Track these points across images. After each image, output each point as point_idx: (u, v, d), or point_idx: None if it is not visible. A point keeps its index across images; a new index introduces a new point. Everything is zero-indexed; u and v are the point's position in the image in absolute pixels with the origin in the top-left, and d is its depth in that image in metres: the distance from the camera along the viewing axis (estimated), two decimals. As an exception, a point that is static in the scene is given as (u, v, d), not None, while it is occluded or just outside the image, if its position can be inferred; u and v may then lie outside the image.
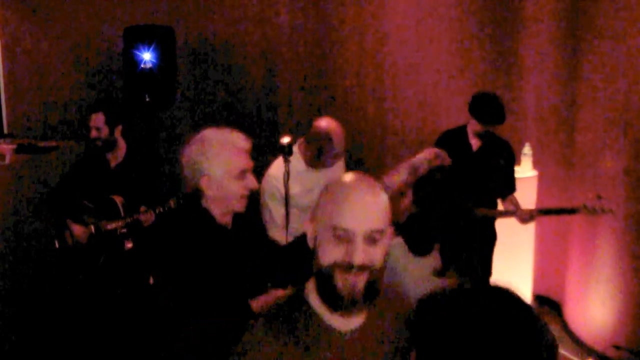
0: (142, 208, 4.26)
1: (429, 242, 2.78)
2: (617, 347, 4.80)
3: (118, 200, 4.40)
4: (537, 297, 5.77)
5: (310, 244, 1.78)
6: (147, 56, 5.72)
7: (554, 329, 5.46)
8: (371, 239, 1.66)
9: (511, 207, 4.58)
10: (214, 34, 6.46)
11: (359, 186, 1.72)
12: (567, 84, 5.48)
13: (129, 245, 4.39)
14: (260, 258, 2.82)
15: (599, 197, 4.18)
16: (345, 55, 6.31)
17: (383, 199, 1.73)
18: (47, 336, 4.74)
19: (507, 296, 1.47)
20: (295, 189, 3.86)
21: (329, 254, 1.67)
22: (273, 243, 3.10)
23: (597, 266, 5.02)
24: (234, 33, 6.44)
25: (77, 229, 4.39)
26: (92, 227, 4.36)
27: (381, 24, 6.15)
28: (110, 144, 4.54)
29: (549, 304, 5.85)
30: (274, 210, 3.93)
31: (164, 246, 2.66)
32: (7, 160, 5.31)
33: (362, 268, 1.65)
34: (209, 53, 6.49)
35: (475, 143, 4.57)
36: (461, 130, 4.62)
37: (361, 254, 1.64)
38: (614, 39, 4.74)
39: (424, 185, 2.95)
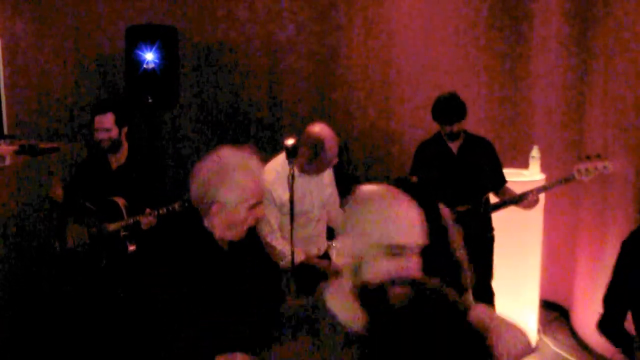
0: (148, 210, 4.23)
1: None
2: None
3: (120, 202, 4.37)
4: (545, 303, 5.72)
5: (343, 260, 1.78)
6: (149, 56, 5.67)
7: (562, 336, 5.46)
8: (420, 251, 1.72)
9: (506, 197, 4.56)
10: (217, 34, 6.43)
11: (402, 201, 1.76)
12: (575, 86, 5.45)
13: (132, 247, 4.37)
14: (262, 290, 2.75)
15: (589, 157, 4.15)
16: (350, 57, 6.28)
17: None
18: (48, 338, 4.72)
19: None
20: (286, 195, 3.88)
21: (382, 270, 1.69)
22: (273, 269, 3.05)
23: (606, 271, 4.79)
24: (238, 33, 6.41)
25: (79, 231, 4.37)
26: (94, 229, 4.35)
27: (388, 27, 6.12)
28: (117, 145, 4.50)
29: (557, 310, 5.81)
30: (268, 215, 3.94)
31: (156, 260, 2.59)
32: (7, 162, 5.27)
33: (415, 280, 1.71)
34: (213, 53, 6.45)
35: (454, 146, 4.59)
36: (437, 138, 4.65)
37: (418, 267, 1.70)
38: (624, 41, 4.70)
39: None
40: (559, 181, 4.43)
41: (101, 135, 4.44)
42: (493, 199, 4.70)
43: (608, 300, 3.18)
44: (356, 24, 6.22)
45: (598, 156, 4.21)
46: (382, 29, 6.14)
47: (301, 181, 4.06)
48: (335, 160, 4.17)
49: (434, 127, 5.99)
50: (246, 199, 2.52)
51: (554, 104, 5.65)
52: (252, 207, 2.55)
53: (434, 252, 2.63)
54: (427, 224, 2.62)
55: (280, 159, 4.09)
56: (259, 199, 2.57)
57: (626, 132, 4.70)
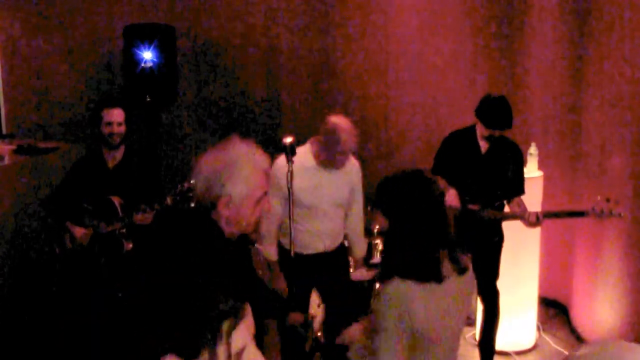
0: (142, 206, 4.24)
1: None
2: None
3: (116, 200, 4.36)
4: (544, 300, 5.70)
5: None
6: (147, 55, 5.66)
7: (561, 333, 5.47)
8: None
9: (517, 209, 4.49)
10: (216, 33, 6.42)
11: None
12: (573, 83, 5.43)
13: (129, 246, 4.36)
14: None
15: (608, 200, 4.11)
16: (348, 56, 6.28)
17: None
18: (47, 338, 4.70)
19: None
20: (302, 183, 3.85)
21: None
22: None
23: (604, 268, 4.97)
24: (237, 32, 6.40)
25: (78, 232, 4.37)
26: (91, 229, 4.35)
27: (385, 26, 6.13)
28: (123, 142, 4.50)
29: (556, 307, 5.81)
30: (271, 201, 3.89)
31: (165, 253, 2.56)
32: (5, 161, 5.27)
33: None
34: (211, 52, 6.45)
35: (483, 145, 4.48)
36: (469, 131, 4.53)
37: None
38: (621, 38, 4.69)
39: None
40: (569, 213, 4.44)
41: (115, 129, 4.42)
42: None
43: None
44: (353, 24, 6.22)
45: (617, 201, 4.17)
46: (379, 28, 6.14)
47: (318, 173, 4.04)
48: (349, 155, 4.07)
49: (432, 124, 6.05)
50: (252, 194, 2.52)
51: (551, 101, 5.62)
52: (259, 200, 2.54)
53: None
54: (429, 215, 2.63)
55: (303, 149, 4.01)
56: (263, 193, 2.57)
57: (624, 129, 4.67)
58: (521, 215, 4.38)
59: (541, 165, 5.34)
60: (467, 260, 2.59)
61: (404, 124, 6.20)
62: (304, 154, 3.97)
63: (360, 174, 4.31)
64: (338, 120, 3.99)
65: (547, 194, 5.28)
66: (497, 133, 4.36)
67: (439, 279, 2.45)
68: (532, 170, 5.25)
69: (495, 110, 4.32)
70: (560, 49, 5.49)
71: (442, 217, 2.53)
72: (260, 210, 2.59)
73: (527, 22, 5.64)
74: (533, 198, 4.87)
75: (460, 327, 2.65)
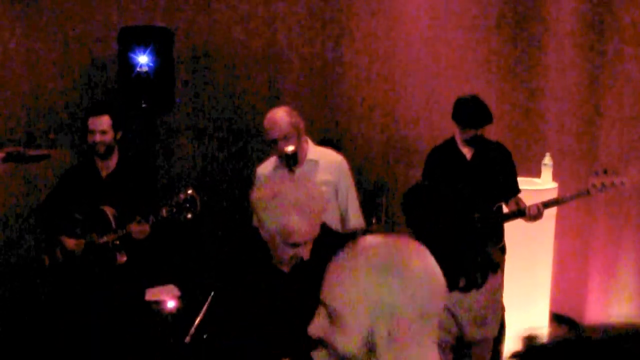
0: (137, 218, 4.08)
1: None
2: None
3: (109, 211, 4.20)
4: (556, 316, 5.60)
5: None
6: (143, 59, 5.49)
7: None
8: None
9: (515, 207, 4.42)
10: (215, 37, 6.29)
11: None
12: (590, 91, 5.36)
13: (123, 258, 4.21)
14: None
15: (605, 172, 4.00)
16: (353, 60, 6.15)
17: None
18: (38, 351, 4.62)
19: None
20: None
21: None
22: None
23: (619, 283, 4.95)
24: (237, 36, 6.27)
25: (70, 243, 4.24)
26: (83, 241, 4.22)
27: (393, 28, 6.01)
28: (110, 151, 4.33)
29: (568, 323, 5.69)
30: None
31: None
32: (-6, 169, 5.15)
33: None
34: (209, 56, 6.31)
35: (467, 152, 4.45)
36: (450, 143, 4.52)
37: None
38: (639, 48, 4.63)
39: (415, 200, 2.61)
40: (572, 196, 4.31)
41: (97, 138, 4.25)
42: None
43: None
44: (359, 26, 6.09)
45: (614, 171, 4.05)
46: (387, 31, 6.03)
47: (279, 176, 3.77)
48: (294, 141, 3.82)
49: (441, 131, 5.93)
50: (287, 236, 2.49)
51: (567, 110, 5.56)
52: (295, 244, 2.51)
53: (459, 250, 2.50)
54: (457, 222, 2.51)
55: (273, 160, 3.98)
56: (303, 240, 2.51)
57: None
58: (521, 211, 4.31)
59: (556, 176, 5.28)
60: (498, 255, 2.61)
61: (411, 133, 6.11)
62: (270, 162, 3.94)
63: (344, 171, 4.00)
64: (269, 111, 3.95)
65: (561, 206, 5.17)
66: (478, 132, 4.32)
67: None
68: (546, 181, 5.21)
69: (468, 108, 4.31)
70: (577, 55, 5.43)
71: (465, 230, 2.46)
72: (296, 256, 2.57)
73: (544, 29, 5.58)
74: (547, 210, 4.74)
75: None
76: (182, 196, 3.99)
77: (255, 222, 2.80)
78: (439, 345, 1.54)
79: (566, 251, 5.57)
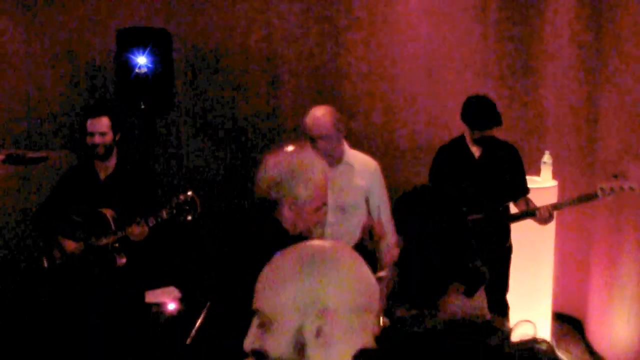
0: (137, 219, 4.09)
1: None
2: None
3: (108, 213, 4.19)
4: (558, 315, 5.60)
5: None
6: (142, 60, 5.47)
7: (576, 349, 5.36)
8: None
9: (524, 208, 4.43)
10: (214, 37, 6.29)
11: None
12: (589, 88, 5.35)
13: (122, 260, 4.21)
14: None
15: (615, 176, 4.00)
16: (353, 59, 6.15)
17: None
18: (38, 353, 4.59)
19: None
20: None
21: None
22: None
23: (621, 282, 4.88)
24: (236, 37, 6.27)
25: (69, 245, 4.23)
26: (81, 244, 4.22)
27: (392, 26, 6.01)
28: (109, 152, 4.32)
29: (571, 322, 5.70)
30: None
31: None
32: (-7, 171, 5.14)
33: None
34: (209, 56, 6.31)
35: (476, 151, 4.44)
36: (459, 141, 4.49)
37: None
38: (638, 45, 4.60)
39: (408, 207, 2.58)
40: (580, 198, 4.30)
41: (96, 140, 4.25)
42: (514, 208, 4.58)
43: None
44: (359, 26, 6.09)
45: (624, 175, 4.06)
46: (385, 35, 6.03)
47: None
48: (333, 143, 3.91)
49: (441, 129, 5.93)
50: (316, 198, 2.60)
51: (566, 108, 5.56)
52: (318, 208, 2.62)
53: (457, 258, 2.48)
54: (448, 229, 2.48)
55: None
56: (324, 202, 2.65)
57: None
58: (532, 212, 4.29)
59: (555, 175, 5.28)
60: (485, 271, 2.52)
61: (412, 134, 6.11)
62: None
63: (377, 177, 4.01)
64: (312, 109, 3.95)
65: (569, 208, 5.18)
66: (486, 133, 4.30)
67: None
68: (546, 180, 5.20)
69: (479, 109, 4.29)
70: (576, 52, 5.43)
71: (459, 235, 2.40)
72: (317, 219, 2.66)
73: (542, 25, 5.59)
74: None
75: None
76: (182, 197, 4.01)
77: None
78: None
79: (568, 250, 5.57)
